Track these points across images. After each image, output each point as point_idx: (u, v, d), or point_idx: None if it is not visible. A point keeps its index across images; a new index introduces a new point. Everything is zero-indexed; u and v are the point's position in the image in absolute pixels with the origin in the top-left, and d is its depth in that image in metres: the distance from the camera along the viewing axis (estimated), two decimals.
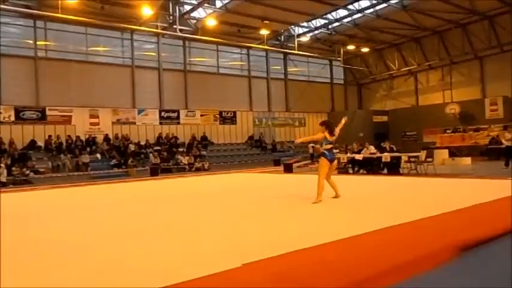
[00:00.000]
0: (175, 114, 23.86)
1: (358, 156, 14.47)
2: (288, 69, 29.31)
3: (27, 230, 5.70)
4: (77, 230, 5.53)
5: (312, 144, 19.84)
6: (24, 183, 15.93)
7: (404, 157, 13.65)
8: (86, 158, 19.07)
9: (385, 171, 13.69)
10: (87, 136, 20.67)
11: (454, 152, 18.93)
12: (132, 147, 20.99)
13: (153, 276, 3.28)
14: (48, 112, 19.73)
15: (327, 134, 7.20)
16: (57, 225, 6.11)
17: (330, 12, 23.11)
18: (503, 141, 14.82)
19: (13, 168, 16.57)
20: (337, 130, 7.39)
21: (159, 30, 22.03)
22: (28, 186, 14.83)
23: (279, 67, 29.09)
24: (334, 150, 7.88)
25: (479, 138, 21.38)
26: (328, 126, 7.31)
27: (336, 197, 7.37)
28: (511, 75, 23.28)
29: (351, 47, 27.28)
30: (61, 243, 4.69)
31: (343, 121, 7.73)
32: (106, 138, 21.04)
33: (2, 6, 16.89)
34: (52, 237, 5.11)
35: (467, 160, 17.29)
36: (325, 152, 7.19)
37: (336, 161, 7.77)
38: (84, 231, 5.45)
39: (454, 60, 26.38)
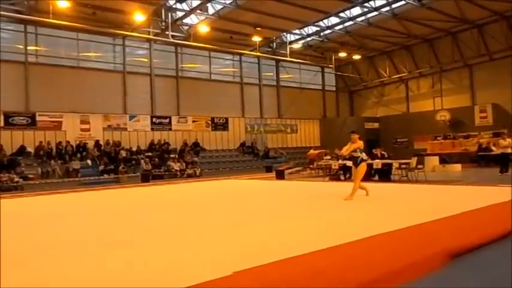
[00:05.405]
0: (167, 121, 23.76)
1: (350, 163, 14.48)
2: (280, 76, 29.40)
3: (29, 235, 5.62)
4: (62, 238, 5.45)
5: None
6: (13, 190, 15.71)
7: (395, 164, 13.71)
8: (76, 164, 18.86)
9: (376, 177, 13.73)
10: (77, 142, 20.46)
11: (444, 159, 19.05)
12: (123, 153, 20.83)
13: (140, 285, 3.23)
14: (38, 118, 19.50)
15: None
16: (47, 232, 6.02)
17: (321, 20, 23.25)
18: (493, 148, 14.94)
19: (1, 175, 16.34)
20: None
21: (151, 36, 21.95)
22: (17, 193, 14.62)
23: (271, 74, 29.18)
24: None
25: (469, 145, 21.54)
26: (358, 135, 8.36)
27: (367, 195, 8.29)
28: (500, 83, 23.59)
29: (342, 54, 27.48)
30: (48, 251, 4.62)
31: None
32: (97, 144, 20.86)
33: None
34: (42, 244, 5.04)
35: (458, 167, 17.41)
36: (364, 158, 8.20)
37: None
38: (72, 238, 5.38)
39: (444, 67, 26.69)
